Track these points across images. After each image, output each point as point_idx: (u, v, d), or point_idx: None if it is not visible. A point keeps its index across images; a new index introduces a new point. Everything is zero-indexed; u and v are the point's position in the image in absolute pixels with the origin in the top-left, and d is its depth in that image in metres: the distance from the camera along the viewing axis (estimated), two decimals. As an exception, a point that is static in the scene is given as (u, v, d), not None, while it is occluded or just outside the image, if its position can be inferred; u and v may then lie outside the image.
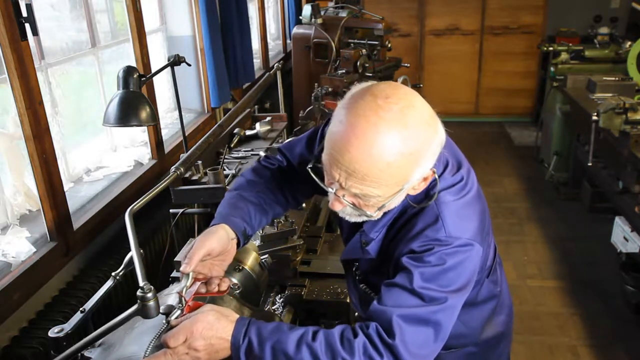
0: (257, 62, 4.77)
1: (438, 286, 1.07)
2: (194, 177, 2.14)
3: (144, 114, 1.95)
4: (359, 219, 1.17)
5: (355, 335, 1.05)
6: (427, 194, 1.15)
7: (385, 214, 1.17)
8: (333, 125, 1.06)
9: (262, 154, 2.49)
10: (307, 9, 4.38)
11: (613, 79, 4.14)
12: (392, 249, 1.18)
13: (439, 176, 1.15)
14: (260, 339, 1.04)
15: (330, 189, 1.11)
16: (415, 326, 1.05)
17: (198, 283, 1.18)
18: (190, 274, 1.14)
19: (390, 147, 1.00)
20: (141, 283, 1.05)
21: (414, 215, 1.16)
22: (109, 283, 1.51)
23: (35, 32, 1.84)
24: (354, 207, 1.10)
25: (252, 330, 1.05)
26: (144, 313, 1.04)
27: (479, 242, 1.14)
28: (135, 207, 1.42)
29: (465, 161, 1.24)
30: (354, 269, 1.35)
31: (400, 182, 1.06)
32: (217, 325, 1.05)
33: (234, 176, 2.36)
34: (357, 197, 1.08)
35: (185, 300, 1.11)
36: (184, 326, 1.04)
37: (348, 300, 1.60)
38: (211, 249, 1.18)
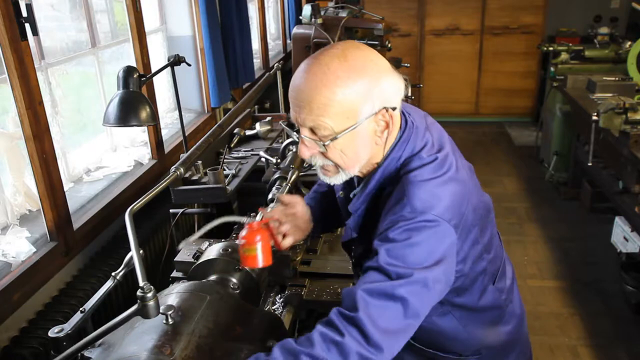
0: (257, 62, 4.77)
1: (402, 262, 1.05)
2: (194, 177, 2.14)
3: (144, 114, 1.95)
4: (334, 177, 1.20)
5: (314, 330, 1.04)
6: (399, 171, 1.17)
7: (363, 188, 1.20)
8: None
9: (262, 154, 2.49)
10: (307, 9, 4.38)
11: (613, 79, 4.14)
12: (373, 231, 1.17)
13: (415, 155, 1.17)
14: None
15: (295, 135, 1.15)
16: (380, 300, 1.03)
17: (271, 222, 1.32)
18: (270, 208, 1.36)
19: (332, 75, 1.06)
20: (141, 283, 1.05)
21: (388, 195, 1.16)
22: (109, 283, 1.51)
23: (35, 32, 1.84)
24: (316, 152, 1.15)
25: None
26: (144, 313, 1.04)
27: (451, 223, 1.10)
28: (135, 207, 1.42)
29: (448, 146, 1.23)
30: (351, 254, 1.35)
31: (350, 114, 1.09)
32: None
33: (234, 176, 2.36)
34: (313, 133, 1.12)
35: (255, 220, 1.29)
36: None
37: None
38: (299, 203, 1.39)
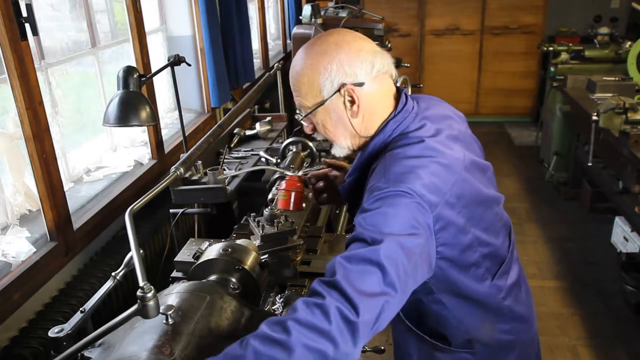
0: (257, 62, 4.77)
1: (376, 228, 1.09)
2: (194, 177, 2.14)
3: (144, 114, 1.95)
4: (333, 150, 1.36)
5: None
6: (386, 147, 1.26)
7: (356, 160, 1.34)
8: None
9: (262, 153, 2.49)
10: (307, 9, 4.38)
11: (613, 79, 4.14)
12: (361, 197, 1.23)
13: (404, 134, 1.25)
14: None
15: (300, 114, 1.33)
16: (357, 265, 1.05)
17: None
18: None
19: (300, 62, 1.26)
20: (141, 283, 1.05)
21: (373, 171, 1.24)
22: (109, 283, 1.50)
23: (35, 32, 1.84)
24: (309, 126, 1.32)
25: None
26: (144, 313, 1.04)
27: (424, 200, 1.13)
28: (135, 207, 1.42)
29: (449, 137, 1.27)
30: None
31: (315, 92, 1.25)
32: None
33: (234, 176, 2.36)
34: (300, 111, 1.30)
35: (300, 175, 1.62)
36: None
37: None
38: (342, 169, 1.57)
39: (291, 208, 1.60)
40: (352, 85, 1.23)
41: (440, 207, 1.16)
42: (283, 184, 1.60)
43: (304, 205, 1.70)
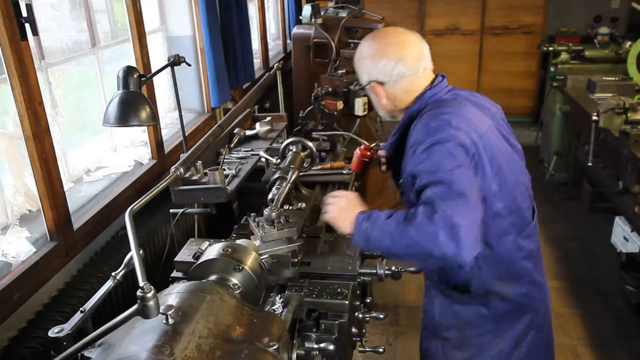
0: (257, 62, 4.77)
1: (433, 170, 1.38)
2: (194, 177, 2.14)
3: (144, 114, 1.95)
4: (382, 113, 1.75)
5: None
6: (422, 110, 1.57)
7: (397, 125, 1.67)
8: None
9: (262, 153, 2.49)
10: (307, 9, 4.38)
11: (613, 79, 4.14)
12: (406, 147, 1.54)
13: (439, 100, 1.58)
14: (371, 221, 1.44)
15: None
16: (446, 201, 1.31)
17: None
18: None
19: (360, 49, 1.66)
20: (141, 283, 1.05)
21: (411, 131, 1.55)
22: (109, 283, 1.51)
23: (35, 32, 1.84)
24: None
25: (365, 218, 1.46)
26: (144, 313, 1.04)
27: (461, 143, 1.42)
28: (135, 207, 1.42)
29: (475, 104, 1.62)
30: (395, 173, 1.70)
31: (359, 76, 1.68)
32: (355, 204, 1.56)
33: (234, 176, 2.36)
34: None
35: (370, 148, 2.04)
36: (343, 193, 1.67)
37: (348, 302, 1.60)
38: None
39: (352, 167, 2.12)
40: (375, 83, 1.64)
41: (471, 149, 1.44)
42: (358, 151, 2.06)
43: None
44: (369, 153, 2.03)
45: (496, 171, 1.49)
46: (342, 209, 1.56)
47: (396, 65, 1.58)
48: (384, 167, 1.87)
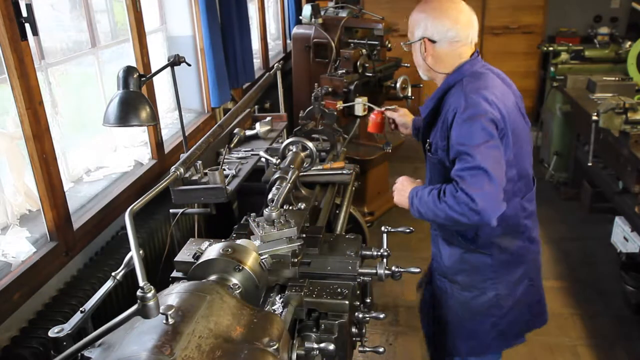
0: (257, 62, 4.77)
1: (466, 143, 1.63)
2: (194, 177, 2.14)
3: (144, 114, 1.95)
4: (420, 73, 1.93)
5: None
6: (461, 80, 1.77)
7: (436, 90, 1.86)
8: None
9: (262, 153, 2.49)
10: (307, 9, 4.38)
11: (613, 79, 4.14)
12: (439, 116, 1.80)
13: (474, 72, 1.77)
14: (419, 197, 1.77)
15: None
16: (468, 178, 1.60)
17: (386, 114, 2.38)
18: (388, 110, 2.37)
19: (419, 7, 1.83)
20: (141, 283, 1.05)
21: (449, 96, 1.77)
22: (109, 283, 1.51)
23: (35, 32, 1.84)
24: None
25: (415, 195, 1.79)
26: (144, 313, 1.04)
27: (493, 117, 1.66)
28: (135, 207, 1.42)
29: (503, 80, 1.83)
30: (425, 146, 1.91)
31: (411, 32, 1.85)
32: (406, 184, 1.87)
33: (234, 176, 2.36)
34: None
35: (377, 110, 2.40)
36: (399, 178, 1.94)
37: (348, 302, 1.60)
38: (407, 115, 2.34)
39: (369, 128, 2.43)
40: (428, 40, 1.80)
41: (500, 124, 1.68)
42: (373, 115, 2.40)
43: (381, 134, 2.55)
44: (382, 115, 2.38)
45: (514, 142, 1.74)
46: (399, 192, 1.88)
47: (452, 28, 1.76)
48: (393, 126, 2.37)
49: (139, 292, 1.03)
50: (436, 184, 1.79)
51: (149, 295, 1.03)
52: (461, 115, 1.66)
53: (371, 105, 2.51)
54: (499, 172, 1.62)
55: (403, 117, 2.33)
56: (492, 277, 1.91)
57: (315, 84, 3.58)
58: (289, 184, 2.05)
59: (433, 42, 1.79)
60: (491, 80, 1.76)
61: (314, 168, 2.43)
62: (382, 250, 1.82)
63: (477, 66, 1.80)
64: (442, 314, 2.06)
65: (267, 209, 1.69)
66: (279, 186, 2.04)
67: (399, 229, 2.02)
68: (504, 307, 1.94)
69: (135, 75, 1.97)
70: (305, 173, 2.40)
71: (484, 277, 1.92)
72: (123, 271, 1.52)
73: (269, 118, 3.00)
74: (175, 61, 2.28)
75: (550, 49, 4.98)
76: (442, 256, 2.00)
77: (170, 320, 1.13)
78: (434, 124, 1.84)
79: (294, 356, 1.39)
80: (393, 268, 1.75)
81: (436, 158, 1.83)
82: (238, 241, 1.66)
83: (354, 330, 1.75)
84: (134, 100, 1.94)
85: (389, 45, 4.16)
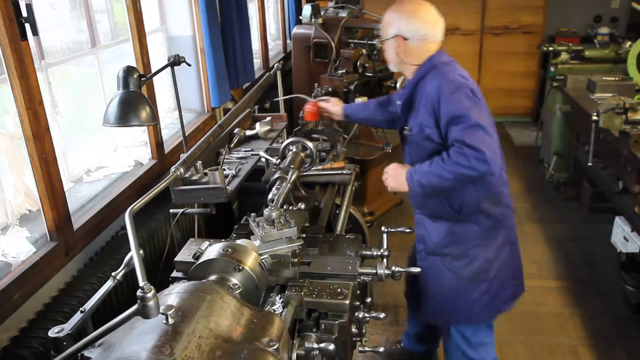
0: (257, 62, 4.77)
1: (459, 110, 1.88)
2: (194, 177, 2.14)
3: (144, 114, 1.95)
4: (389, 65, 2.18)
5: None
6: (431, 70, 2.03)
7: (409, 82, 2.10)
8: None
9: (262, 153, 2.49)
10: (307, 9, 4.38)
11: (613, 79, 4.14)
12: (417, 102, 2.05)
13: (443, 62, 2.05)
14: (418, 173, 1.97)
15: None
16: (470, 135, 1.83)
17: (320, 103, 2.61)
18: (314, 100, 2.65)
19: (392, 8, 2.09)
20: (141, 283, 1.05)
21: (426, 82, 2.02)
22: (109, 283, 1.51)
23: (35, 32, 1.84)
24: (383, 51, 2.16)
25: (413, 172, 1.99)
26: (144, 313, 1.04)
27: (470, 88, 1.96)
28: (136, 207, 1.42)
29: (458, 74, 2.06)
30: (403, 132, 2.12)
31: (385, 30, 2.08)
32: (399, 168, 2.08)
33: (234, 176, 2.36)
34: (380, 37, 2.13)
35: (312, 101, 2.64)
36: (389, 166, 2.12)
37: (348, 302, 1.60)
38: (337, 105, 2.59)
39: (305, 116, 2.63)
40: (401, 37, 2.05)
41: (477, 93, 1.96)
42: (309, 105, 2.62)
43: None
44: (317, 106, 2.60)
45: (487, 114, 1.94)
46: (394, 177, 2.06)
47: (422, 28, 2.03)
48: (326, 114, 2.61)
49: (139, 292, 1.03)
50: (418, 163, 2.01)
51: (149, 295, 1.03)
52: (446, 91, 1.92)
53: (306, 97, 2.69)
54: (491, 129, 1.87)
55: (334, 106, 2.57)
56: (480, 243, 2.11)
57: (315, 84, 3.59)
58: (289, 184, 2.05)
59: (405, 39, 2.04)
60: (459, 66, 2.08)
61: (314, 168, 2.43)
62: (382, 250, 1.82)
63: (444, 57, 2.08)
64: (435, 291, 2.21)
65: (267, 209, 1.69)
66: (279, 186, 2.04)
67: (399, 229, 2.03)
68: (492, 271, 2.14)
69: (135, 75, 1.97)
70: (305, 173, 2.40)
71: (474, 244, 2.11)
72: (123, 271, 1.52)
73: (269, 118, 3.00)
74: (175, 61, 2.28)
75: (550, 49, 4.98)
76: (430, 234, 2.17)
77: (170, 320, 1.13)
78: (411, 110, 2.07)
79: (294, 356, 1.39)
80: (393, 268, 1.75)
81: (421, 136, 2.03)
82: (238, 241, 1.66)
83: (354, 330, 1.75)
84: (134, 100, 1.94)
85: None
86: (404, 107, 2.12)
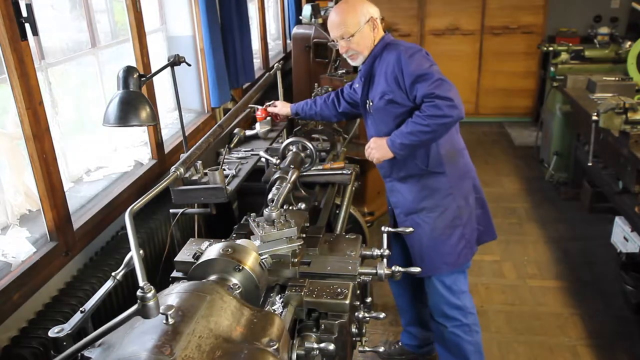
0: (257, 62, 4.77)
1: (422, 68, 2.09)
2: (194, 177, 2.14)
3: (144, 114, 1.95)
4: (357, 60, 2.31)
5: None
6: (385, 47, 2.24)
7: (369, 57, 2.27)
8: None
9: (262, 153, 2.49)
10: (307, 9, 4.39)
11: (613, 79, 4.14)
12: (376, 76, 2.26)
13: (394, 43, 2.25)
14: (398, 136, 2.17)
15: (337, 44, 2.32)
16: (437, 88, 2.05)
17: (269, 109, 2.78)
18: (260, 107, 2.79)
19: (342, 9, 2.24)
20: (141, 283, 1.05)
21: (379, 63, 2.24)
22: (109, 283, 1.51)
23: (35, 32, 1.84)
24: (347, 47, 2.26)
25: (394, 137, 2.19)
26: (144, 313, 1.04)
27: (426, 52, 2.20)
28: (136, 207, 1.42)
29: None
30: (367, 106, 2.32)
31: (355, 23, 2.22)
32: (379, 140, 2.26)
33: (234, 176, 2.36)
34: (343, 39, 2.24)
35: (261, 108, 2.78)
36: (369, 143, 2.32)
37: (348, 302, 1.60)
38: (284, 107, 2.75)
39: (256, 116, 2.82)
40: (373, 18, 2.25)
41: (428, 55, 2.18)
42: (259, 112, 2.79)
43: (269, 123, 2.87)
44: (266, 111, 2.77)
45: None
46: (378, 148, 2.24)
47: (376, 8, 2.28)
48: (276, 117, 2.80)
49: (139, 292, 1.03)
50: (383, 130, 2.25)
51: (149, 295, 1.03)
52: (405, 55, 2.12)
53: (257, 107, 2.83)
54: (450, 81, 2.09)
55: (282, 109, 2.74)
56: (451, 191, 2.30)
57: (315, 84, 3.59)
58: (289, 184, 2.05)
59: (375, 18, 2.25)
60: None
61: (314, 168, 2.44)
62: (382, 250, 1.82)
63: (392, 38, 2.30)
64: (416, 246, 2.38)
65: (267, 209, 1.69)
66: (279, 186, 2.04)
67: (399, 229, 2.03)
68: (464, 216, 2.35)
69: (135, 75, 1.97)
70: (305, 173, 2.40)
71: (445, 194, 2.30)
72: (123, 271, 1.52)
73: (269, 118, 2.99)
74: (175, 61, 2.28)
75: (550, 49, 4.98)
76: (404, 195, 2.35)
77: (170, 320, 1.13)
78: (371, 84, 2.27)
79: (294, 356, 1.39)
80: (393, 268, 1.75)
81: (383, 102, 2.22)
82: (238, 241, 1.66)
83: (354, 330, 1.75)
84: (134, 100, 1.94)
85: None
86: (364, 85, 2.30)
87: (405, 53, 2.13)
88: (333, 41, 2.35)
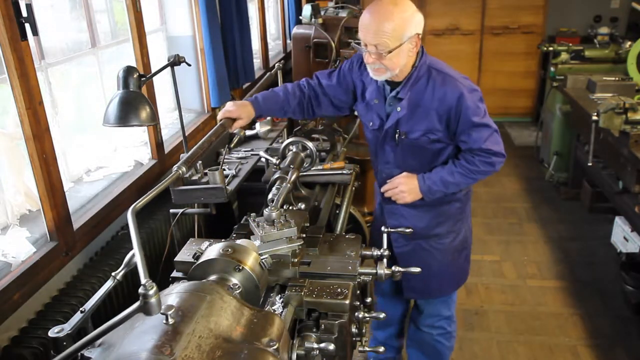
0: (257, 62, 4.77)
1: (479, 115, 1.97)
2: (194, 177, 2.14)
3: (144, 114, 1.94)
4: (383, 76, 1.95)
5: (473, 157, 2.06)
6: (430, 68, 1.98)
7: (407, 82, 1.97)
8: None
9: (262, 153, 2.49)
10: (307, 9, 4.38)
11: (613, 79, 4.14)
12: (424, 104, 1.98)
13: (435, 62, 2.02)
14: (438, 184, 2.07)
15: (363, 49, 1.90)
16: (493, 140, 2.05)
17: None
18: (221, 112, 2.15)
19: (389, 13, 1.82)
20: (143, 280, 1.05)
21: (424, 84, 1.97)
22: (109, 283, 1.51)
23: (35, 32, 1.84)
24: (376, 59, 1.88)
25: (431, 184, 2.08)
26: (146, 310, 1.03)
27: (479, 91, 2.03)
28: (138, 205, 1.42)
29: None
30: (396, 136, 2.05)
31: (398, 37, 1.84)
32: (407, 178, 2.12)
33: (234, 176, 2.36)
34: (376, 48, 1.85)
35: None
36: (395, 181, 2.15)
37: (348, 302, 1.60)
38: (232, 107, 2.10)
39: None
40: (417, 35, 1.90)
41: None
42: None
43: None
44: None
45: None
46: (408, 192, 2.10)
47: (422, 20, 1.91)
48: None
49: (141, 289, 1.02)
50: (411, 163, 2.09)
51: (151, 292, 1.02)
52: (468, 101, 1.93)
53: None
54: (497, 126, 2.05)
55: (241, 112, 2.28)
56: (461, 217, 2.25)
57: (315, 84, 3.58)
58: (289, 184, 2.05)
59: (419, 35, 1.92)
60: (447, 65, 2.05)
61: (314, 168, 2.43)
62: (382, 250, 1.82)
63: (431, 58, 2.03)
64: (424, 271, 2.14)
65: (267, 209, 1.69)
66: (279, 186, 2.04)
67: (399, 229, 2.03)
68: (469, 238, 2.34)
69: (135, 75, 1.96)
70: (305, 173, 2.40)
71: (457, 219, 2.24)
72: (123, 271, 1.52)
73: (269, 118, 3.00)
74: (175, 61, 2.28)
75: (550, 49, 4.98)
76: (411, 221, 2.20)
77: (170, 320, 1.13)
78: (413, 115, 2.00)
79: (294, 356, 1.39)
80: (393, 268, 1.75)
81: (427, 139, 2.02)
82: (238, 241, 1.66)
83: (354, 330, 1.75)
84: (134, 100, 1.94)
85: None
86: (407, 112, 2.00)
87: (470, 98, 1.93)
88: (357, 41, 1.95)
